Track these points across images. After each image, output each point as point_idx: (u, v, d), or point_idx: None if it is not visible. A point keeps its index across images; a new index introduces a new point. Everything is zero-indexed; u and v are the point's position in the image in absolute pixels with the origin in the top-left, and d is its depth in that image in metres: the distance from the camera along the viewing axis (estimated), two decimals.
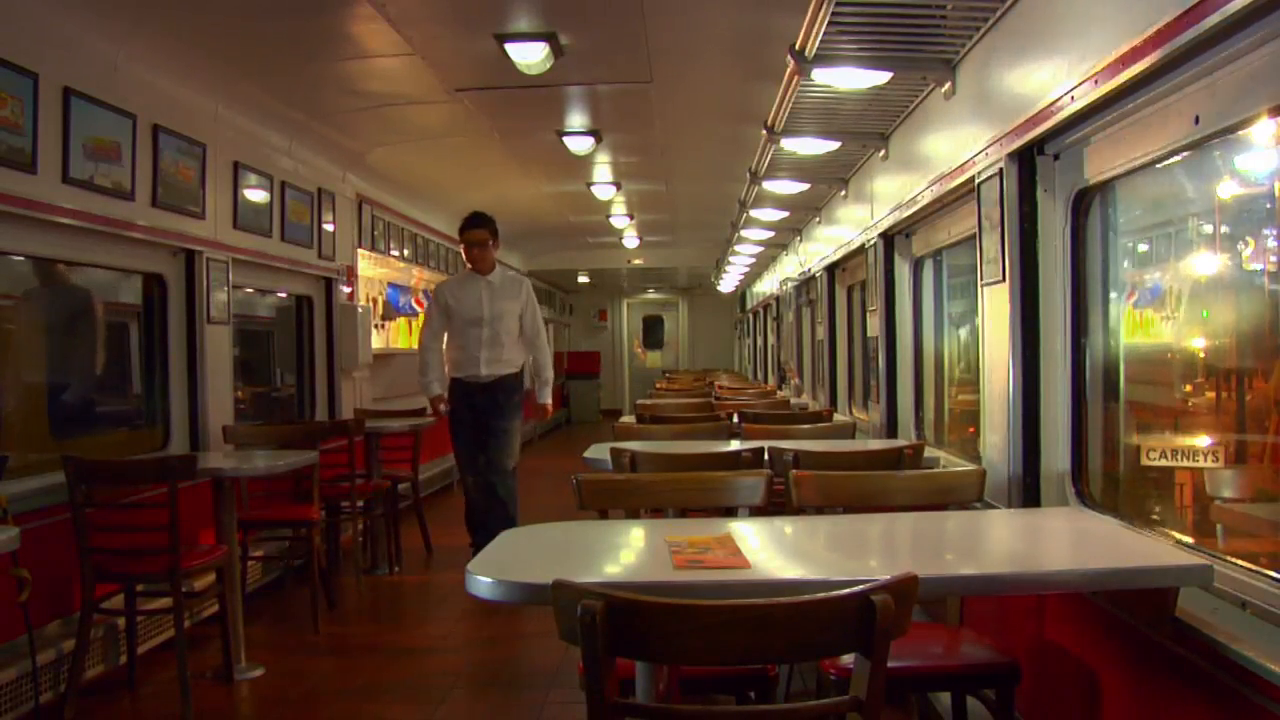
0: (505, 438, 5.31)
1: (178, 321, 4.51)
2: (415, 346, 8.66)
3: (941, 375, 4.50)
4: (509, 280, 5.47)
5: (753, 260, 10.89)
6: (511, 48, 4.20)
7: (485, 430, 5.29)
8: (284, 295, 6.04)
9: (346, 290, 6.47)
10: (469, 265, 5.39)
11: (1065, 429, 2.79)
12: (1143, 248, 2.74)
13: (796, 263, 8.29)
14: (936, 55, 3.41)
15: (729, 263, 11.40)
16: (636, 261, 13.64)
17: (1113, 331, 2.72)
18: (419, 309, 9.07)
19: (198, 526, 4.18)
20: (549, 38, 4.16)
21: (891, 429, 4.75)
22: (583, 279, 15.87)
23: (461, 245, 5.39)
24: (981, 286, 3.13)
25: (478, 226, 5.30)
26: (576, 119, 5.82)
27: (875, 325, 4.91)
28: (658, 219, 10.24)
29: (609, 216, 9.83)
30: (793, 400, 7.66)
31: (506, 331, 5.32)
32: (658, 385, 9.71)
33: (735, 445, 3.74)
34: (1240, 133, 2.03)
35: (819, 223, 7.12)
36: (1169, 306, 2.56)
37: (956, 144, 3.40)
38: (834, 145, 4.71)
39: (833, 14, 2.95)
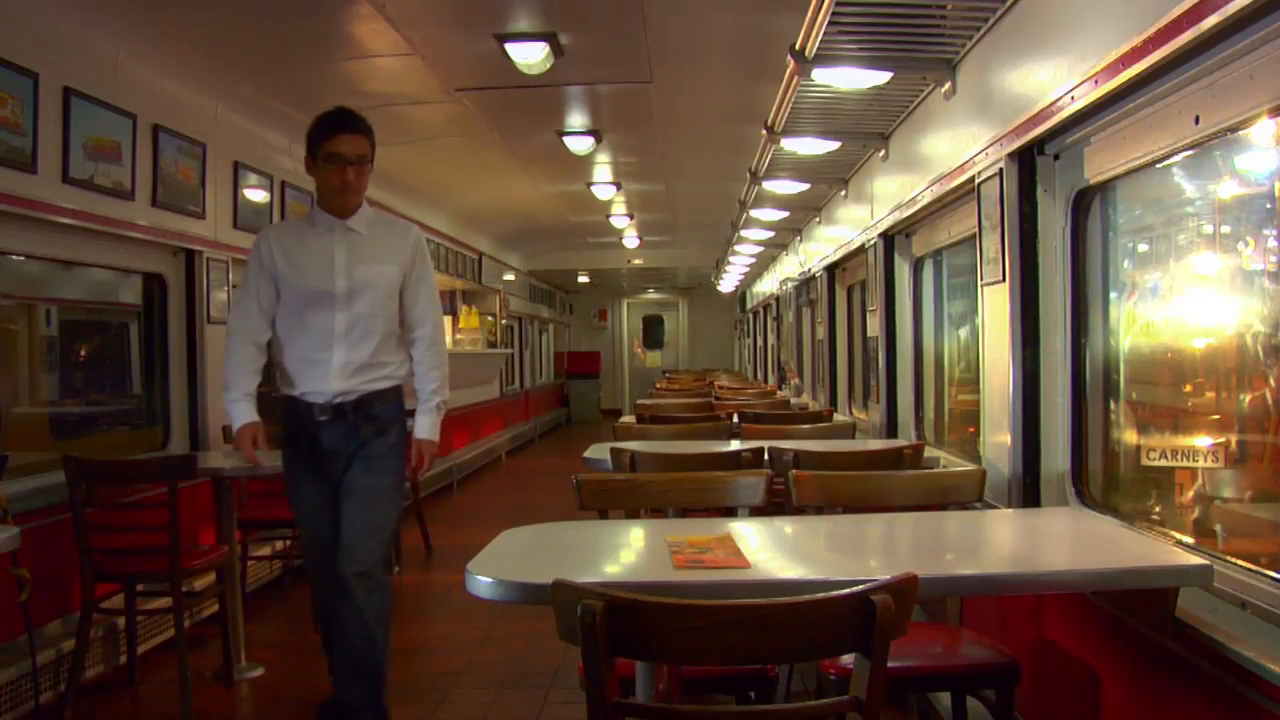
0: (372, 501, 3.02)
1: (178, 321, 4.51)
2: None
3: (941, 375, 4.50)
4: (386, 228, 3.14)
5: (753, 260, 10.89)
6: (511, 48, 4.21)
7: (339, 487, 3.04)
8: None
9: None
10: (320, 201, 3.07)
11: (1065, 429, 2.79)
12: (1143, 248, 2.74)
13: (796, 263, 8.30)
14: (936, 55, 3.41)
15: (729, 263, 11.41)
16: (636, 261, 13.66)
17: (1113, 331, 2.72)
18: None
19: (198, 526, 4.19)
20: (549, 38, 4.16)
21: (891, 429, 4.75)
22: (583, 279, 15.88)
23: (316, 164, 2.98)
24: (981, 286, 3.13)
25: (354, 129, 2.96)
26: (576, 119, 5.82)
27: (875, 325, 4.91)
28: (658, 219, 10.25)
29: (609, 216, 9.84)
30: (793, 400, 7.66)
31: (379, 316, 3.03)
32: (657, 385, 9.71)
33: (735, 445, 3.74)
34: (1240, 133, 2.03)
35: (819, 223, 7.13)
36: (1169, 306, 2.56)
37: (956, 144, 3.40)
38: (834, 145, 4.71)
39: (833, 14, 2.95)
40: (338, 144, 2.93)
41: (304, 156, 3.00)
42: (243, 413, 3.05)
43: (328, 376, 2.98)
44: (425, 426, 3.14)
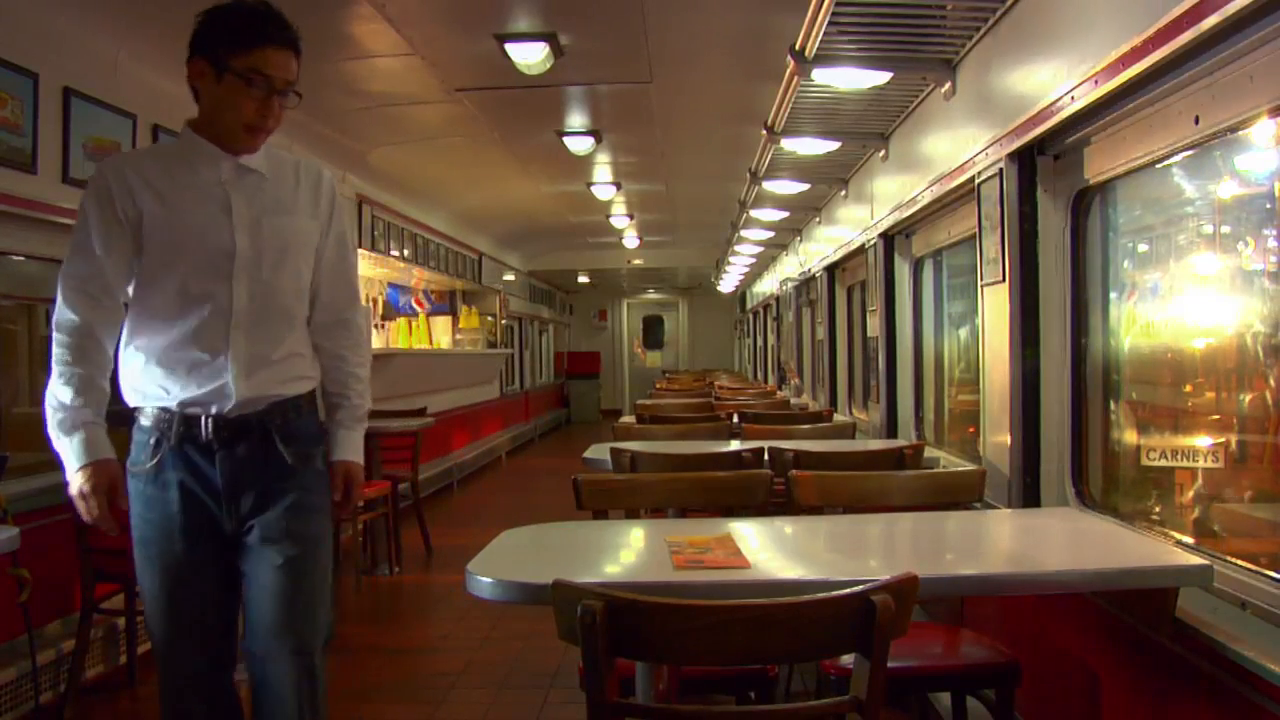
0: (310, 559, 2.10)
1: None
2: (414, 345, 8.77)
3: (941, 375, 4.50)
4: (291, 170, 2.18)
5: (753, 260, 10.90)
6: (511, 48, 4.21)
7: (240, 542, 2.08)
8: None
9: None
10: (209, 129, 2.07)
11: (1065, 429, 2.79)
12: (1143, 248, 2.75)
13: (796, 263, 8.30)
14: (936, 55, 3.41)
15: (729, 263, 11.41)
16: (636, 261, 13.66)
17: (1113, 331, 2.72)
18: (419, 309, 9.07)
19: None
20: (549, 38, 4.17)
21: (891, 429, 4.75)
22: (583, 279, 15.89)
23: (221, 79, 1.99)
24: (981, 286, 3.13)
25: (289, 42, 2.03)
26: (576, 119, 5.82)
27: (875, 325, 4.92)
28: (658, 219, 10.25)
29: (609, 216, 9.85)
30: (793, 400, 7.67)
31: (292, 290, 2.14)
32: (657, 385, 9.71)
33: (735, 445, 3.74)
34: (1240, 133, 2.03)
35: (819, 223, 7.13)
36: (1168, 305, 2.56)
37: (956, 144, 3.41)
38: (834, 145, 4.71)
39: (833, 14, 2.96)
40: (266, 60, 1.99)
41: (190, 60, 2.01)
42: (92, 444, 1.96)
43: (224, 377, 2.02)
44: (351, 445, 2.22)
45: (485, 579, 1.77)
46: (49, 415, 1.97)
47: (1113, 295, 2.72)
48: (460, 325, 9.72)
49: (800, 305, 8.05)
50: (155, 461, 2.02)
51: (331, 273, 2.21)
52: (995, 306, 3.01)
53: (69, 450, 1.95)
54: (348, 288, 2.27)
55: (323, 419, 2.22)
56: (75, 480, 1.93)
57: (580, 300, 18.26)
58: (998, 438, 2.99)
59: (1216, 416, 2.40)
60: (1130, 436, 2.70)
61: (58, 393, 1.97)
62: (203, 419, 2.02)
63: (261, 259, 2.07)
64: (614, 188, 8.10)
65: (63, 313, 1.99)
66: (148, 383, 2.05)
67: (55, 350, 1.99)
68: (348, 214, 2.10)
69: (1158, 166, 2.38)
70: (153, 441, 2.03)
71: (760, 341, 12.51)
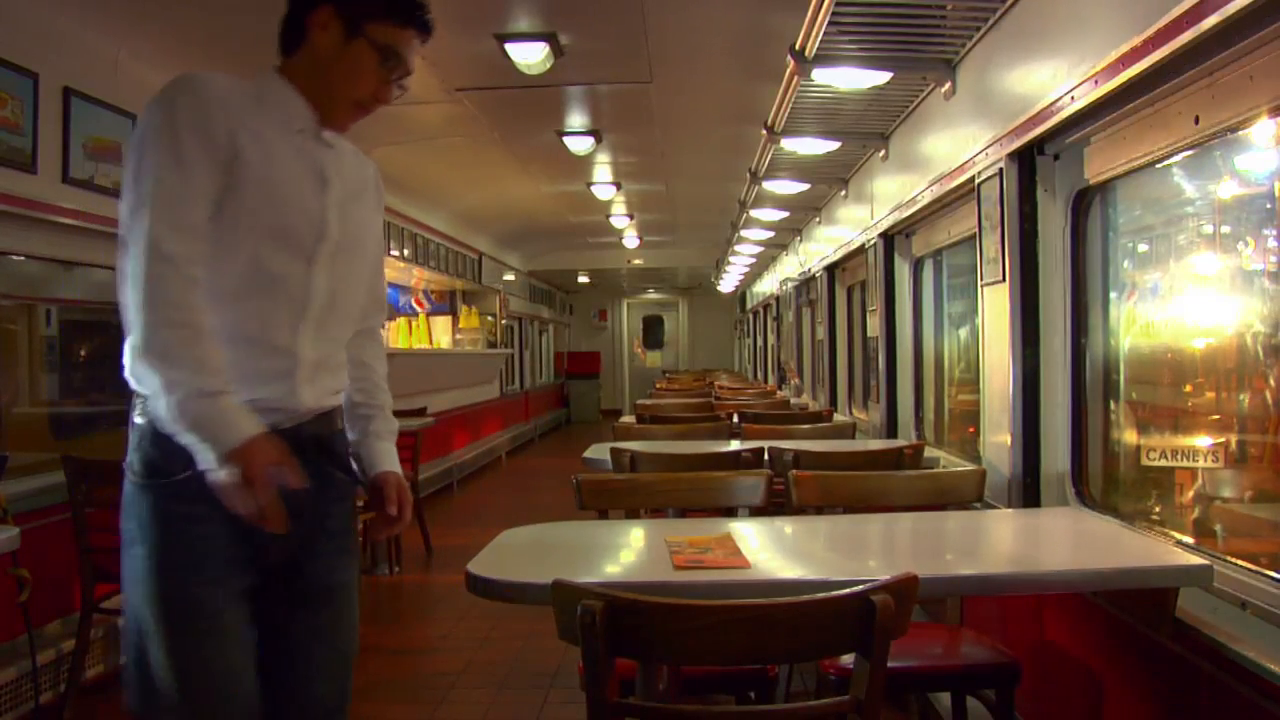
0: (349, 608, 1.82)
1: None
2: (414, 345, 8.76)
3: (941, 375, 4.50)
4: (355, 159, 1.85)
5: (753, 260, 10.90)
6: (511, 48, 4.21)
7: (281, 601, 1.70)
8: None
9: None
10: (311, 87, 1.70)
11: (1065, 429, 2.79)
12: (1143, 248, 2.75)
13: (796, 263, 8.30)
14: (936, 55, 3.41)
15: (729, 263, 11.41)
16: (636, 261, 13.66)
17: (1113, 331, 2.72)
18: (419, 309, 9.07)
19: None
20: (549, 38, 4.17)
21: (891, 429, 4.75)
22: (583, 279, 15.88)
23: (351, 43, 1.67)
24: (981, 286, 3.13)
25: (429, 33, 1.75)
26: (576, 119, 5.82)
27: (875, 325, 4.92)
28: (658, 219, 10.25)
29: (609, 216, 9.84)
30: (793, 400, 7.67)
31: (363, 289, 1.86)
32: (657, 385, 9.71)
33: (735, 445, 3.74)
34: (1240, 133, 2.04)
35: (819, 223, 7.13)
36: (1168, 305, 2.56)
37: (956, 144, 3.41)
38: (834, 145, 4.71)
39: (833, 14, 2.96)
40: (407, 43, 1.72)
41: (317, 5, 1.67)
42: (234, 420, 1.49)
43: (288, 378, 1.66)
44: (393, 457, 1.92)
45: (485, 579, 1.77)
46: (163, 393, 1.46)
47: (1113, 295, 2.72)
48: (460, 325, 9.73)
49: (800, 305, 8.05)
50: (190, 473, 1.50)
51: (374, 278, 1.93)
52: (995, 306, 3.01)
53: (201, 437, 1.47)
54: (382, 294, 2.01)
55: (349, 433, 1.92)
56: (225, 472, 1.46)
57: (580, 300, 18.26)
58: (998, 438, 2.99)
59: (1216, 416, 2.40)
60: (1130, 436, 2.70)
61: (160, 356, 1.47)
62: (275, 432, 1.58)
63: (343, 247, 1.75)
64: (614, 188, 8.10)
65: (148, 248, 1.49)
66: None
67: (141, 299, 1.47)
68: None
69: (1158, 166, 2.38)
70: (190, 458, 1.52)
71: (760, 341, 12.51)
